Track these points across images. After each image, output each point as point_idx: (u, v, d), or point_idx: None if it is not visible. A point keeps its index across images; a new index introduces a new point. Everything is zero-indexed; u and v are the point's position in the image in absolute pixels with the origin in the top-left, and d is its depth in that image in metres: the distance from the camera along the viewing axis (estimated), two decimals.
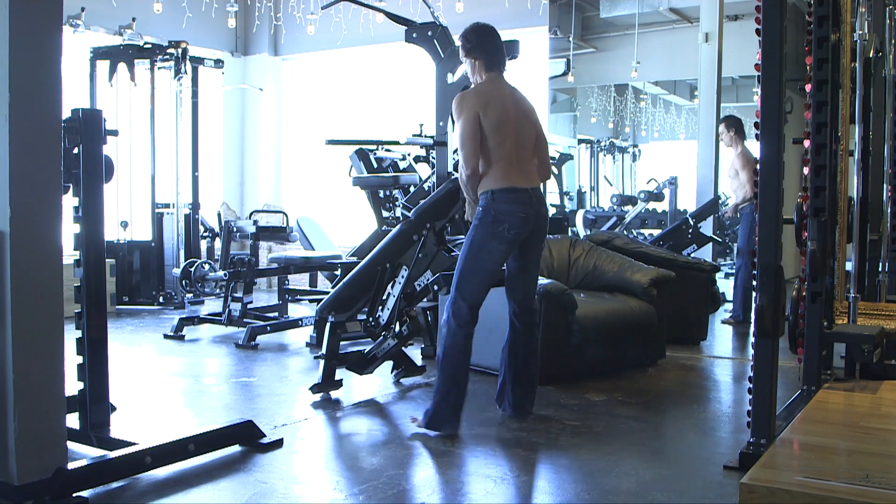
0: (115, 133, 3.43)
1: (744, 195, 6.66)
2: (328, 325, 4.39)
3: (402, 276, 4.25)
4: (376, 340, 4.44)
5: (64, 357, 2.80)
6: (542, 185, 3.86)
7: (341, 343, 4.45)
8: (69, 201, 3.22)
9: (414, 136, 6.65)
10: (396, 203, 6.54)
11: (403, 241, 4.26)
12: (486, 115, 3.56)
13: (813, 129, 3.83)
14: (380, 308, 4.35)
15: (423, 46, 6.20)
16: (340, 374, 4.41)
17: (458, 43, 3.80)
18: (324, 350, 4.37)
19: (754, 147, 3.24)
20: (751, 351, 3.21)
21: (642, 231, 8.18)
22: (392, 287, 4.31)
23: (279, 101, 10.18)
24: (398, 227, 4.33)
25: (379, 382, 4.65)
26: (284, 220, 7.76)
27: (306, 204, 9.83)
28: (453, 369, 3.58)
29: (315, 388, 4.28)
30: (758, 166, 3.19)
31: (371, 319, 4.37)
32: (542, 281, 4.67)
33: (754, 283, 3.16)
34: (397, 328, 4.37)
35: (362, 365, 4.50)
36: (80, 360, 3.33)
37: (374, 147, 6.80)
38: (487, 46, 3.70)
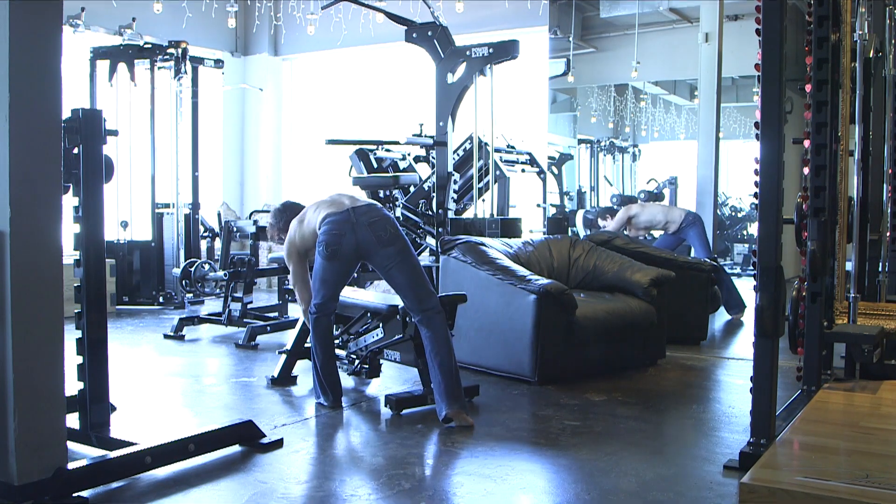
0: (115, 133, 3.43)
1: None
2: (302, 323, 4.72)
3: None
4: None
5: (64, 357, 2.80)
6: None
7: None
8: (69, 201, 3.22)
9: (414, 136, 6.66)
10: (396, 203, 6.54)
11: None
12: (303, 242, 4.27)
13: (813, 129, 3.83)
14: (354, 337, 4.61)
15: (423, 46, 6.20)
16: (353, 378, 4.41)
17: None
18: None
19: (754, 147, 3.23)
20: (751, 351, 3.21)
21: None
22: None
23: (279, 101, 10.18)
24: None
25: (379, 383, 4.65)
26: None
27: (306, 204, 9.81)
28: (320, 352, 4.12)
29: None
30: (757, 167, 3.20)
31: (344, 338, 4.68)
32: (542, 281, 4.68)
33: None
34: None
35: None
36: (80, 360, 3.33)
37: (374, 147, 6.80)
38: (287, 219, 4.56)
